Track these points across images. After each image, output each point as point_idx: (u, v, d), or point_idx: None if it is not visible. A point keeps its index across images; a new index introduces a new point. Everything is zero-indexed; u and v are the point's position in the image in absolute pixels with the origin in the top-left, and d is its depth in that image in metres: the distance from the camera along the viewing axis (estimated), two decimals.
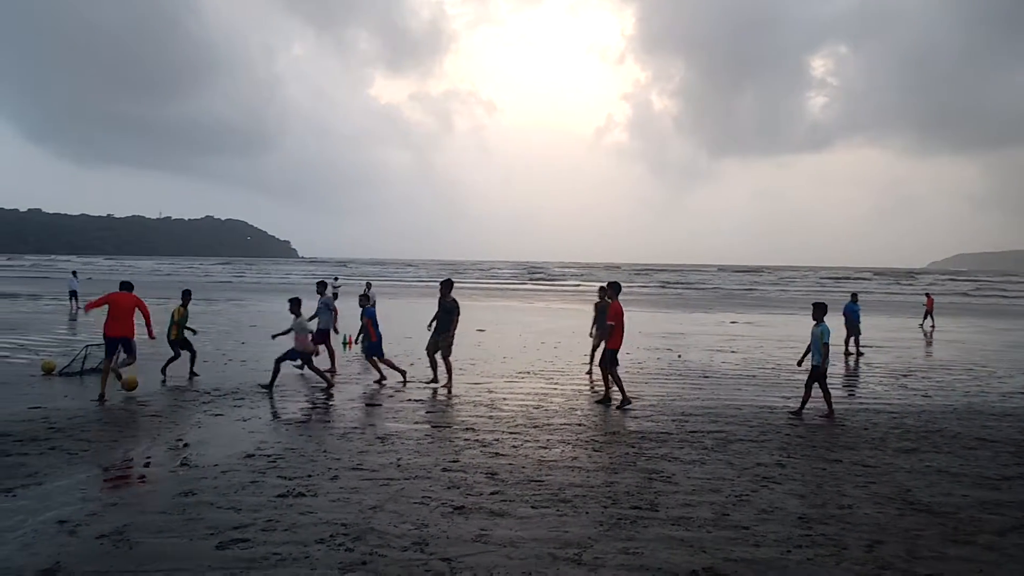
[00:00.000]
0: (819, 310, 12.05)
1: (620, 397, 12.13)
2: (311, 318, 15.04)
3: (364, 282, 24.31)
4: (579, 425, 10.69)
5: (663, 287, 77.75)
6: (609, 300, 12.52)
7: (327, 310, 15.63)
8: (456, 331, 13.90)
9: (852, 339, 20.71)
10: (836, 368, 17.61)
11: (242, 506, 6.77)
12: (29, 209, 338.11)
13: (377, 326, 14.43)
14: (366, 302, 15.10)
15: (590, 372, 16.07)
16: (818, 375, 11.75)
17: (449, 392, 13.20)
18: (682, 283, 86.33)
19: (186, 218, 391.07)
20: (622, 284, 12.87)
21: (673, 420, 11.15)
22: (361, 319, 14.92)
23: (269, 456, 8.58)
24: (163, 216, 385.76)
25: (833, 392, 14.04)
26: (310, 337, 13.76)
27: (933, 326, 30.25)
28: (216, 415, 10.90)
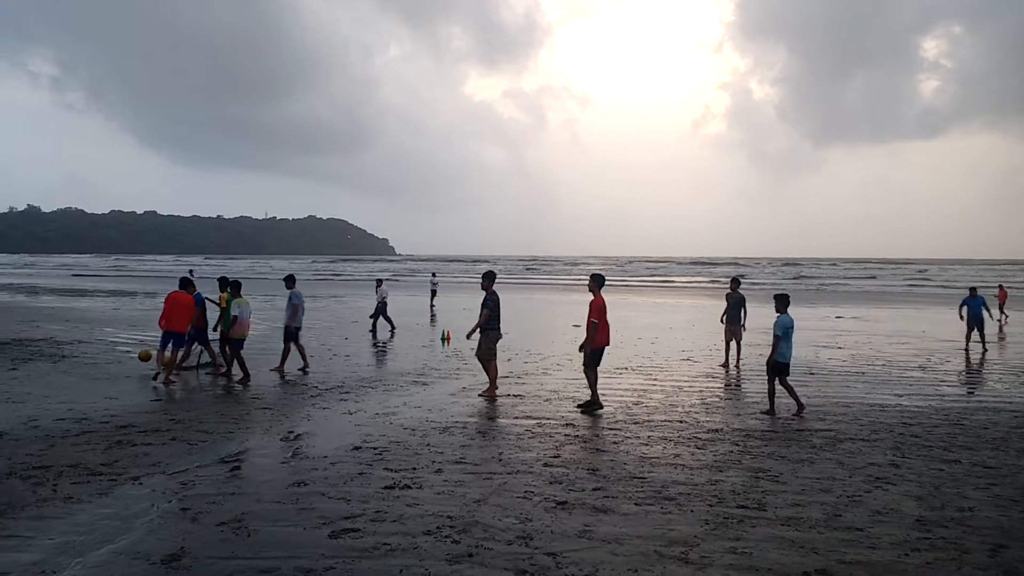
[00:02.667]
0: (780, 302, 11.56)
1: (591, 401, 11.46)
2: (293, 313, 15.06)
3: (375, 279, 24.76)
4: (680, 422, 10.55)
5: (763, 281, 75.68)
6: (594, 294, 11.59)
7: (291, 305, 15.08)
8: (479, 327, 12.39)
9: (975, 334, 19.71)
10: (955, 365, 16.84)
11: (351, 497, 6.97)
12: (145, 211, 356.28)
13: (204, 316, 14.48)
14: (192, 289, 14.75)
15: (725, 364, 16.05)
16: (773, 369, 11.27)
17: (491, 400, 12.06)
18: (784, 277, 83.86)
19: (290, 218, 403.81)
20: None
21: (778, 418, 10.88)
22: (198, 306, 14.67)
23: (375, 449, 8.80)
24: (269, 216, 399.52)
25: (951, 390, 13.51)
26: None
27: (1007, 318, 28.27)
28: (324, 408, 11.25)
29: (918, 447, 9.19)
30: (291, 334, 14.97)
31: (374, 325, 22.71)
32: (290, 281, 15.43)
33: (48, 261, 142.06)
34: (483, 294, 12.62)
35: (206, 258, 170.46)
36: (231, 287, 14.38)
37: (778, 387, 11.31)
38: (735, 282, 17.15)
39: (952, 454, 8.87)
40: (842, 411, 11.39)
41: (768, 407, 11.26)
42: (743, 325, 16.27)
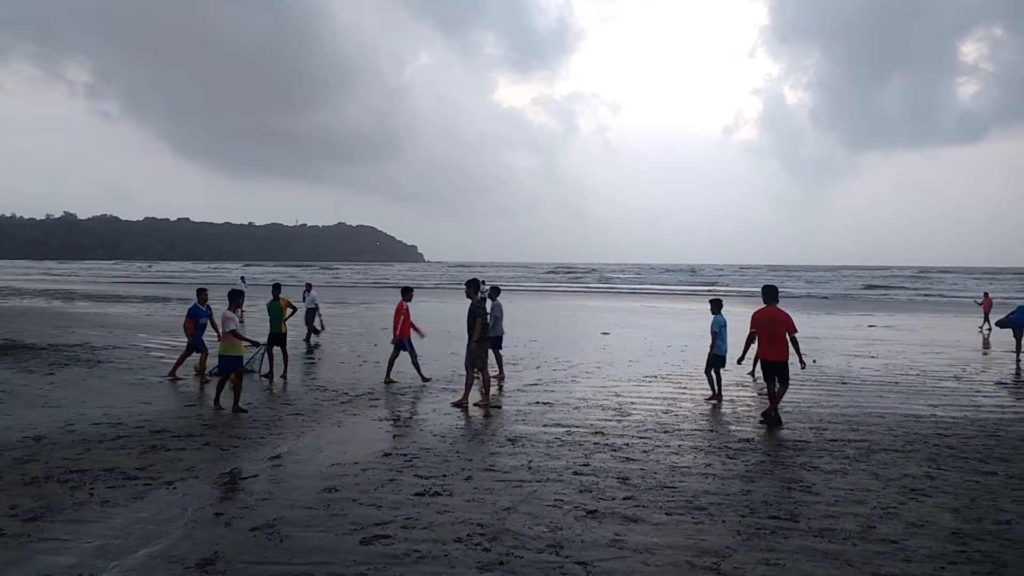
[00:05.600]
0: (715, 305, 13.27)
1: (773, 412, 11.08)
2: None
3: (305, 283, 24.19)
4: (711, 431, 10.49)
5: (795, 288, 74.85)
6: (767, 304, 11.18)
7: (493, 316, 15.41)
8: (476, 339, 12.33)
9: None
10: (990, 375, 16.58)
11: (382, 503, 7.01)
12: (178, 218, 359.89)
13: (200, 329, 14.63)
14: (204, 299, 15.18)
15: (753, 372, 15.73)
16: (711, 362, 12.89)
17: (485, 410, 11.83)
18: (816, 283, 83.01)
19: (320, 225, 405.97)
20: (777, 288, 11.47)
21: (811, 428, 10.76)
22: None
23: (405, 455, 8.84)
24: (299, 223, 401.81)
25: (987, 401, 13.29)
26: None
27: (990, 329, 27.39)
28: (353, 415, 11.32)
29: (954, 458, 9.05)
30: (495, 343, 15.33)
31: (309, 335, 21.71)
32: (494, 292, 16.14)
33: (61, 268, 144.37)
34: (474, 303, 12.60)
35: (211, 265, 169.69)
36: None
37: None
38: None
39: (988, 466, 8.73)
40: (876, 421, 11.25)
41: (711, 394, 12.88)
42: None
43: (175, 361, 15.14)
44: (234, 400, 11.53)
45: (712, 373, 12.94)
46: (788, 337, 10.93)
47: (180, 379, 14.37)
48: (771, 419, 10.94)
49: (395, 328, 14.51)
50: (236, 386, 11.62)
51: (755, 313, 11.22)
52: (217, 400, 11.82)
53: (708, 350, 13.07)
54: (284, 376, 14.79)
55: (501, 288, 14.76)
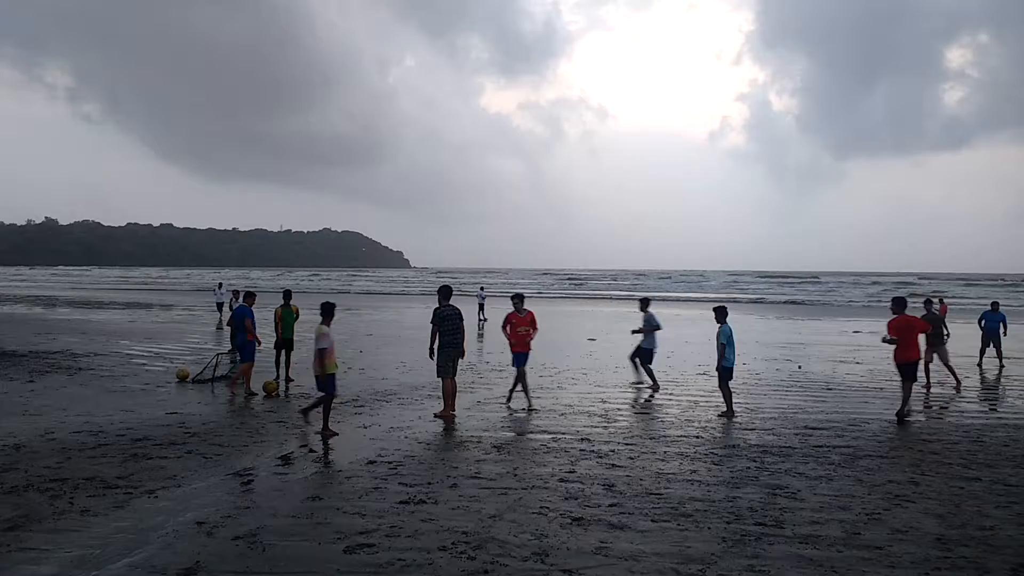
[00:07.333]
0: (720, 313, 12.47)
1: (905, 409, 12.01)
2: (637, 331, 15.43)
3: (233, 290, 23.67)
4: (696, 437, 10.49)
5: (781, 294, 75.19)
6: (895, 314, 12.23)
7: (651, 327, 15.27)
8: (431, 346, 11.91)
9: (990, 349, 19.32)
10: (973, 382, 16.68)
11: (366, 512, 6.96)
12: (161, 224, 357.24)
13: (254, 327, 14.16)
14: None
15: (927, 386, 15.36)
16: (722, 375, 12.20)
17: (442, 420, 11.55)
18: (802, 290, 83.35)
19: (305, 230, 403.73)
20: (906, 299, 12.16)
21: (796, 434, 10.78)
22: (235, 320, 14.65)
23: (390, 463, 8.79)
24: (284, 229, 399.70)
25: (969, 407, 13.39)
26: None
27: (947, 335, 27.60)
28: (338, 422, 11.23)
29: (937, 464, 9.09)
30: (650, 356, 15.20)
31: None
32: (644, 303, 16.03)
33: (34, 273, 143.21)
34: (441, 307, 11.94)
35: (190, 271, 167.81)
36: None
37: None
38: (929, 303, 17.38)
39: (972, 471, 8.77)
40: (860, 427, 11.29)
41: (726, 410, 12.11)
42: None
43: (234, 378, 14.51)
44: (323, 421, 10.53)
45: (725, 387, 12.22)
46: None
47: (254, 394, 13.71)
48: (904, 417, 11.84)
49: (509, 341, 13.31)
50: (326, 406, 10.63)
51: (892, 321, 12.17)
52: (308, 412, 11.04)
53: (717, 361, 12.25)
54: (288, 379, 14.97)
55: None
